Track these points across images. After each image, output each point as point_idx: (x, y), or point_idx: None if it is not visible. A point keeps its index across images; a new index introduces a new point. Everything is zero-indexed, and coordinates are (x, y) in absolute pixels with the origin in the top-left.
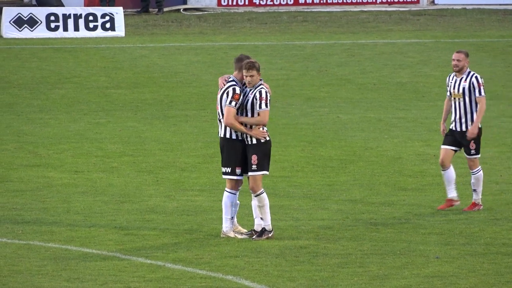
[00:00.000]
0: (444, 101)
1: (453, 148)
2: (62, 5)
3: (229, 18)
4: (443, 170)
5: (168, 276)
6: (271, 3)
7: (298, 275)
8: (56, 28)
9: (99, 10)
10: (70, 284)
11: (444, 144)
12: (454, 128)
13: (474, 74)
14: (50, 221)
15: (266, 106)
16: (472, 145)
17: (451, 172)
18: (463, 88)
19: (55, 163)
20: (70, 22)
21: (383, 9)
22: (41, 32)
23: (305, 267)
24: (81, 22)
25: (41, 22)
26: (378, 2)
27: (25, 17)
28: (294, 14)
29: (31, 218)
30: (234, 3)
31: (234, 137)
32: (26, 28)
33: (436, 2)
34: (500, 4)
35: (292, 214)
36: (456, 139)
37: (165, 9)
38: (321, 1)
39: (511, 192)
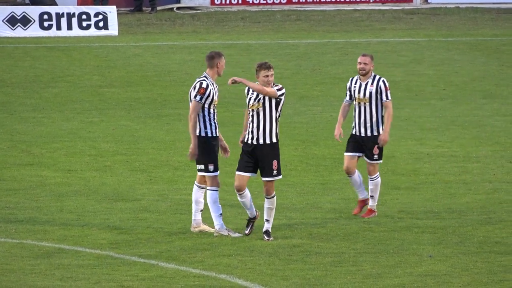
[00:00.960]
0: None
1: (357, 154)
2: (55, 4)
3: (223, 17)
4: (349, 176)
5: (161, 275)
6: (265, 2)
7: (291, 274)
8: (49, 27)
9: (92, 9)
10: (63, 283)
11: (347, 151)
12: (357, 134)
13: (381, 78)
14: (43, 220)
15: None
16: (376, 150)
17: (357, 177)
18: (370, 93)
19: (48, 162)
20: (63, 21)
21: (377, 7)
22: (34, 31)
23: (298, 266)
24: (74, 21)
25: (34, 21)
26: (371, 1)
27: (18, 16)
28: (288, 13)
29: (24, 217)
30: (228, 2)
31: (210, 134)
32: (19, 27)
33: (429, 1)
34: (494, 3)
35: (285, 213)
36: (359, 144)
37: (159, 8)
38: (315, 0)
39: (504, 191)
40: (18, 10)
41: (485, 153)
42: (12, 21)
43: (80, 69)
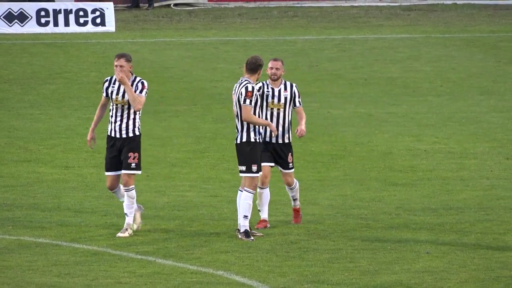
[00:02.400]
0: None
1: (271, 164)
2: (52, 0)
3: (220, 13)
4: (261, 188)
5: (159, 272)
6: None
7: (288, 271)
8: (47, 23)
9: (89, 6)
10: (60, 280)
11: (263, 161)
12: (272, 141)
13: (292, 83)
14: (40, 216)
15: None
16: (290, 158)
17: (268, 192)
18: (285, 98)
19: (45, 159)
20: (61, 18)
21: (374, 4)
22: (31, 27)
23: (296, 262)
24: (72, 17)
25: (32, 17)
26: None
27: (16, 12)
28: (285, 9)
29: (21, 213)
30: None
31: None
32: (16, 23)
33: None
34: None
35: (283, 209)
36: (272, 154)
37: (156, 4)
38: None
39: (501, 187)
40: (15, 7)
41: (482, 150)
42: (9, 17)
43: (77, 66)
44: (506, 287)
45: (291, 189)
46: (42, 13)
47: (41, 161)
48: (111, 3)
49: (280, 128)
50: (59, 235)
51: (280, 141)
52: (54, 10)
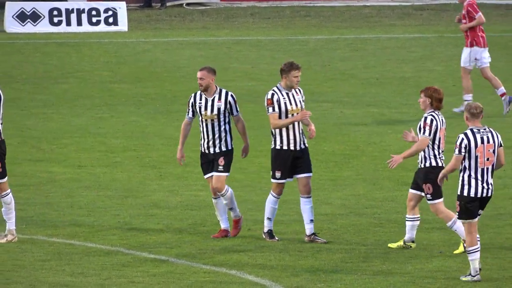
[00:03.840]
0: None
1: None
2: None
3: (232, 13)
4: (214, 198)
5: (172, 271)
6: None
7: (301, 270)
8: (59, 22)
9: (102, 5)
10: (73, 279)
11: (206, 172)
12: (207, 151)
13: (228, 92)
14: (53, 215)
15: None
16: (222, 161)
17: (222, 201)
18: (218, 109)
19: (58, 158)
20: (73, 17)
21: (386, 3)
22: (44, 27)
23: (309, 262)
24: (84, 16)
25: (44, 16)
26: None
27: (28, 12)
28: (297, 9)
29: (34, 212)
30: None
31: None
32: (29, 22)
33: None
34: None
35: (296, 209)
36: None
37: (168, 4)
38: None
39: None
40: (28, 6)
41: None
42: (22, 17)
43: (90, 65)
44: None
45: (221, 195)
46: (55, 12)
47: (54, 160)
48: (124, 3)
49: (217, 139)
50: (72, 234)
51: (217, 150)
52: (67, 10)
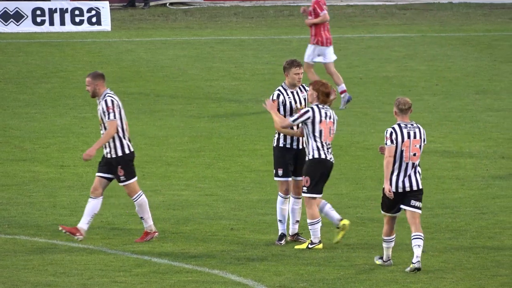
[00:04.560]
0: None
1: (106, 175)
2: None
3: (215, 12)
4: (92, 198)
5: (154, 271)
6: None
7: (284, 269)
8: (42, 22)
9: (85, 5)
10: (56, 279)
11: (99, 171)
12: (105, 155)
13: (106, 95)
14: (36, 215)
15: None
16: (120, 171)
17: (99, 202)
18: (100, 114)
19: (41, 158)
20: (56, 17)
21: (369, 3)
22: (27, 26)
23: (291, 261)
24: (67, 16)
25: (27, 16)
26: None
27: (11, 12)
28: (280, 8)
29: (17, 212)
30: None
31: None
32: (12, 22)
33: None
34: None
35: None
36: (109, 167)
37: (151, 4)
38: None
39: (497, 186)
40: (11, 6)
41: (478, 149)
42: (4, 16)
43: (73, 65)
44: (502, 286)
45: (133, 201)
46: (38, 12)
47: (36, 160)
48: (107, 2)
49: (107, 143)
50: (55, 234)
51: (109, 156)
52: (50, 9)
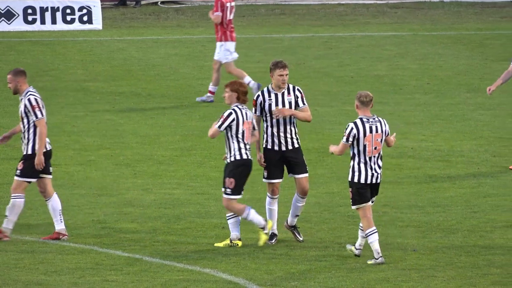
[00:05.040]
0: None
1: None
2: None
3: (207, 11)
4: (47, 200)
5: (146, 269)
6: None
7: (275, 268)
8: (34, 21)
9: (76, 3)
10: (47, 277)
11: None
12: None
13: (29, 93)
14: (27, 214)
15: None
16: (20, 165)
17: (56, 201)
18: (21, 111)
19: None
20: (48, 15)
21: (361, 1)
22: (18, 25)
23: (283, 260)
24: (59, 15)
25: (18, 15)
26: None
27: (2, 10)
28: (272, 7)
29: None
30: None
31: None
32: (3, 21)
33: None
34: None
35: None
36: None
37: (143, 2)
38: None
39: (488, 185)
40: (2, 4)
41: (469, 147)
42: None
43: (64, 63)
44: (493, 284)
45: (11, 197)
46: (29, 10)
47: None
48: (98, 1)
49: (24, 139)
50: (46, 233)
51: (24, 152)
52: (41, 8)
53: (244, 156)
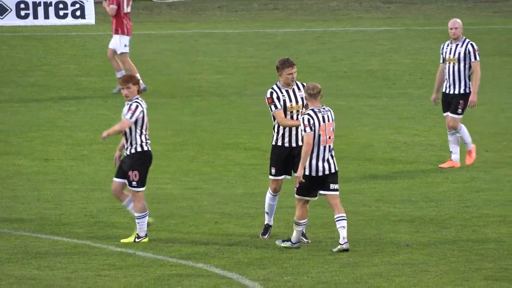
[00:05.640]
0: None
1: None
2: None
3: (200, 6)
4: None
5: (139, 264)
6: None
7: (268, 263)
8: (26, 16)
9: None
10: (40, 272)
11: None
12: None
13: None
14: (20, 209)
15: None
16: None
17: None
18: None
19: (25, 151)
20: (40, 10)
21: None
22: (11, 20)
23: (275, 255)
24: (51, 10)
25: (11, 10)
26: None
27: None
28: (265, 2)
29: (0, 206)
30: None
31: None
32: None
33: None
34: None
35: (263, 202)
36: None
37: None
38: None
39: (481, 180)
40: None
41: (462, 142)
42: None
43: (57, 58)
44: (486, 279)
45: None
46: (22, 5)
47: (20, 153)
48: None
49: None
50: (39, 228)
51: None
52: (34, 3)
53: (145, 148)
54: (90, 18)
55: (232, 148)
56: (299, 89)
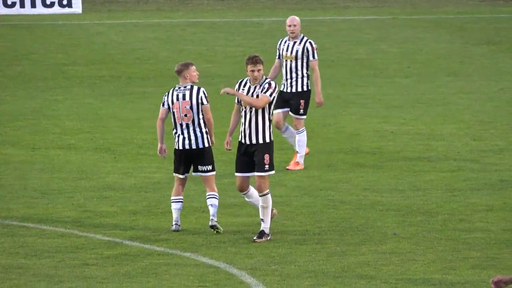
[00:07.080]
0: None
1: None
2: None
3: None
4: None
5: (126, 253)
6: None
7: (255, 252)
8: (13, 4)
9: None
10: (27, 261)
11: None
12: None
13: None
14: (7, 198)
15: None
16: None
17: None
18: None
19: (12, 140)
20: None
21: None
22: None
23: (263, 244)
24: None
25: None
26: None
27: None
28: None
29: None
30: None
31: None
32: None
33: None
34: None
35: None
36: None
37: None
38: None
39: (468, 169)
40: None
41: (450, 131)
42: None
43: (43, 47)
44: (473, 268)
45: None
46: None
47: (7, 142)
48: None
49: None
50: (26, 217)
51: None
52: None
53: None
54: (77, 7)
55: (220, 137)
56: (259, 87)
